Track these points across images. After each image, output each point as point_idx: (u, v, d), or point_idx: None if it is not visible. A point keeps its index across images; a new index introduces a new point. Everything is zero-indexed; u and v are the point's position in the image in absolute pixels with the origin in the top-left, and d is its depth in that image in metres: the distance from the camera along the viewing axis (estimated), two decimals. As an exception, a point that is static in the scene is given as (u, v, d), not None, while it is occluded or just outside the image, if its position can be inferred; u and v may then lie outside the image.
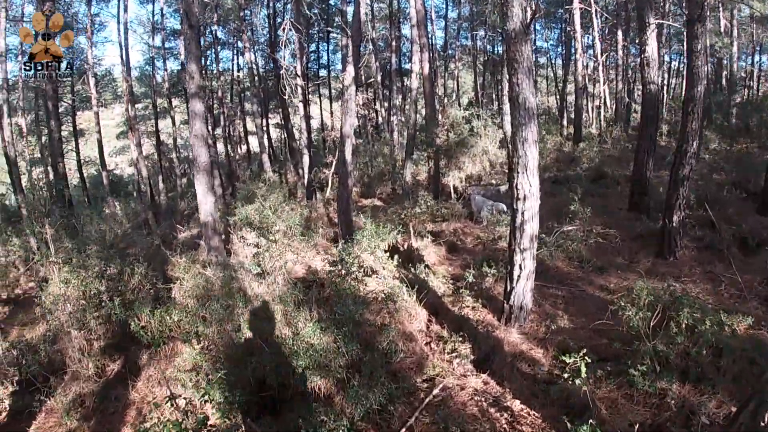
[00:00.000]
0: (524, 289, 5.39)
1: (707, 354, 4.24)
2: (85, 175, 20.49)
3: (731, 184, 8.90)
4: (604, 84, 17.66)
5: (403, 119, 19.56)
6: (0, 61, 11.46)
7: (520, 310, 5.51)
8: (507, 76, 5.55)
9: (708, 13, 6.00)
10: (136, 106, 26.00)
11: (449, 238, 9.29)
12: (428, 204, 9.84)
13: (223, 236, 9.05)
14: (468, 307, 6.15)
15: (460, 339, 5.39)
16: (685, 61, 26.23)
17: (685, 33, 7.71)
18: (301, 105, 15.87)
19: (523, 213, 5.03)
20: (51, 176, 16.42)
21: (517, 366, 4.86)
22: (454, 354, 5.27)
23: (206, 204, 8.24)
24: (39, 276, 8.23)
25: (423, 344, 5.63)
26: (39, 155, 18.05)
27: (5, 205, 14.72)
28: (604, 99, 18.74)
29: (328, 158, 21.46)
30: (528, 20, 4.82)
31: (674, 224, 6.63)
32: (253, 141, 24.28)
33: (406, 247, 8.97)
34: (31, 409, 4.81)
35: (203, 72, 23.41)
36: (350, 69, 9.34)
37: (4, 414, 4.94)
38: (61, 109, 19.12)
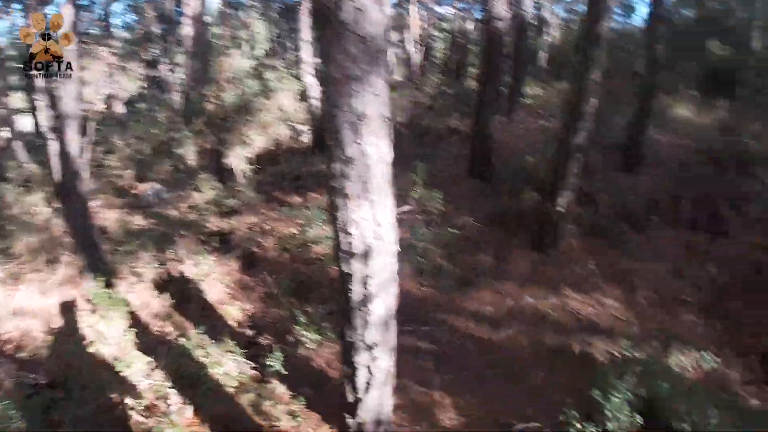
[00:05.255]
0: (380, 399, 2.78)
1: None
2: None
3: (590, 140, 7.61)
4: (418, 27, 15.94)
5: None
6: None
7: (377, 425, 2.91)
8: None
9: None
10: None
11: (243, 243, 6.16)
12: (210, 192, 6.46)
13: None
14: (283, 413, 3.34)
15: None
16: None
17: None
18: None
19: (365, 282, 2.26)
20: None
21: None
22: None
23: None
24: None
25: None
26: None
27: None
28: (415, 43, 17.12)
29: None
30: None
31: (561, 207, 4.75)
32: (25, 121, 16.71)
33: (178, 274, 5.65)
34: None
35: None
36: (68, 10, 4.95)
37: None
38: None
